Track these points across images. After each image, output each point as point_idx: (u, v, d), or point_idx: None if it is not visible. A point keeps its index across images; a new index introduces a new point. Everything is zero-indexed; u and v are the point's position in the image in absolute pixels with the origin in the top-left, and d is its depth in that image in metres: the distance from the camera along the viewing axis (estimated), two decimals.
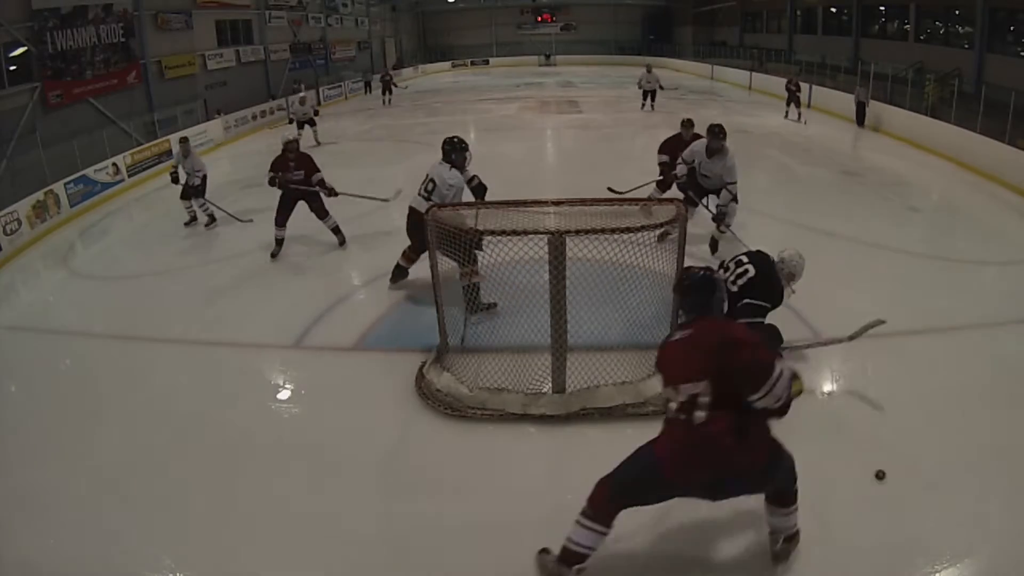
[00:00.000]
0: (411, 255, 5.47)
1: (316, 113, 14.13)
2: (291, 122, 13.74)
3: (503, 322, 4.19)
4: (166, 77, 15.94)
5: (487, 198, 5.27)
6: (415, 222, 5.02)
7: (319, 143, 13.39)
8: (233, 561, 2.92)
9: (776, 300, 3.97)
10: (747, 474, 2.30)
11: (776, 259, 4.04)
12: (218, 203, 7.95)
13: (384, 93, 20.47)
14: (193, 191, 7.78)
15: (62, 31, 12.70)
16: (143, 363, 4.75)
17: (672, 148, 6.84)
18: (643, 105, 16.36)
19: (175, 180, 7.77)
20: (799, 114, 14.71)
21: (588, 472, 3.36)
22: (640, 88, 16.43)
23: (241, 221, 7.71)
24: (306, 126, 13.53)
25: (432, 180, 5.07)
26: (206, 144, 13.93)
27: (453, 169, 5.13)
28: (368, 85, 24.06)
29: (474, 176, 5.37)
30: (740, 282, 3.94)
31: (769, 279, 3.95)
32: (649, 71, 16.70)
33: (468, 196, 5.36)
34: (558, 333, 3.69)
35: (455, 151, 5.18)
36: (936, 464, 3.36)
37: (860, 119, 13.61)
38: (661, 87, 16.62)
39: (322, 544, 2.97)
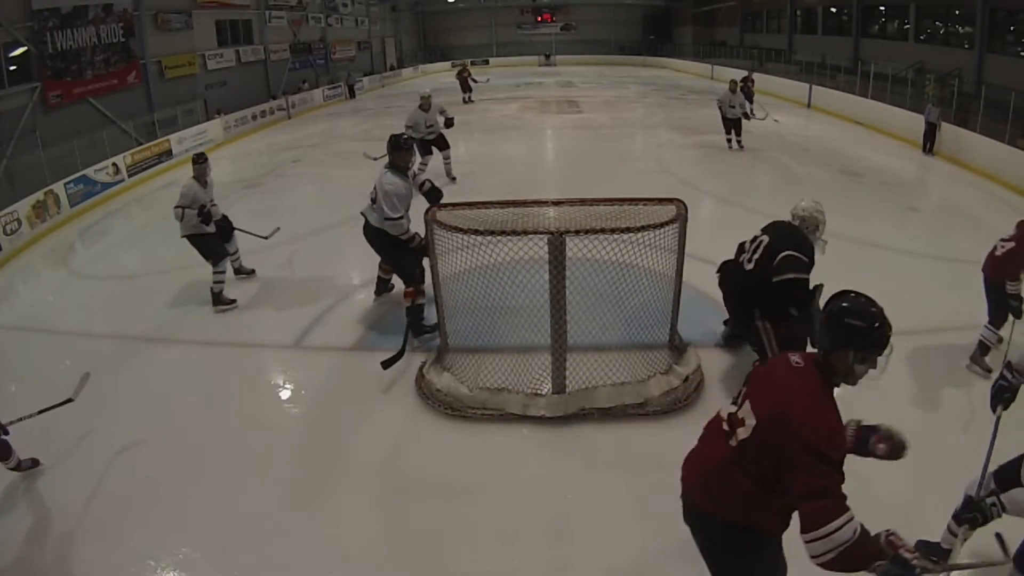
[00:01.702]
0: (386, 267, 5.24)
1: (451, 123, 8.95)
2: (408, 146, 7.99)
3: (503, 322, 4.19)
4: (166, 77, 15.95)
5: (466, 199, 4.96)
6: (369, 233, 4.73)
7: (454, 179, 8.92)
8: (233, 561, 2.92)
9: (811, 254, 3.57)
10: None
11: (792, 218, 3.70)
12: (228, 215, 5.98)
13: (464, 91, 18.31)
14: (224, 234, 5.57)
15: (62, 31, 12.70)
16: (143, 363, 4.76)
17: None
18: (729, 142, 10.94)
19: (206, 220, 5.36)
20: (751, 110, 14.41)
21: (588, 472, 3.38)
22: (721, 113, 10.86)
23: (264, 237, 6.28)
24: (434, 149, 8.90)
25: (375, 187, 4.64)
26: (206, 144, 13.94)
27: (391, 173, 4.58)
28: (352, 89, 22.75)
29: (425, 181, 4.80)
30: (756, 256, 3.65)
31: (789, 236, 3.60)
32: (734, 90, 10.63)
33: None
34: (558, 333, 3.69)
35: (394, 150, 4.61)
36: (936, 464, 3.36)
37: (928, 144, 10.88)
38: (749, 114, 11.01)
39: (322, 544, 2.98)
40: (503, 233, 3.57)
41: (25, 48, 12.03)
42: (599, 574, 2.76)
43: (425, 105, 8.73)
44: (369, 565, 2.87)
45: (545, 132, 14.38)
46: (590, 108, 17.43)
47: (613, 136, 13.28)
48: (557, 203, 3.90)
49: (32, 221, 8.40)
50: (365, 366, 4.52)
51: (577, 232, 3.50)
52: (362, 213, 4.78)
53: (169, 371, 4.65)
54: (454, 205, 4.00)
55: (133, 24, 14.67)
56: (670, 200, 3.96)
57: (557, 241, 3.50)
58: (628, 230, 3.56)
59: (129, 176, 11.17)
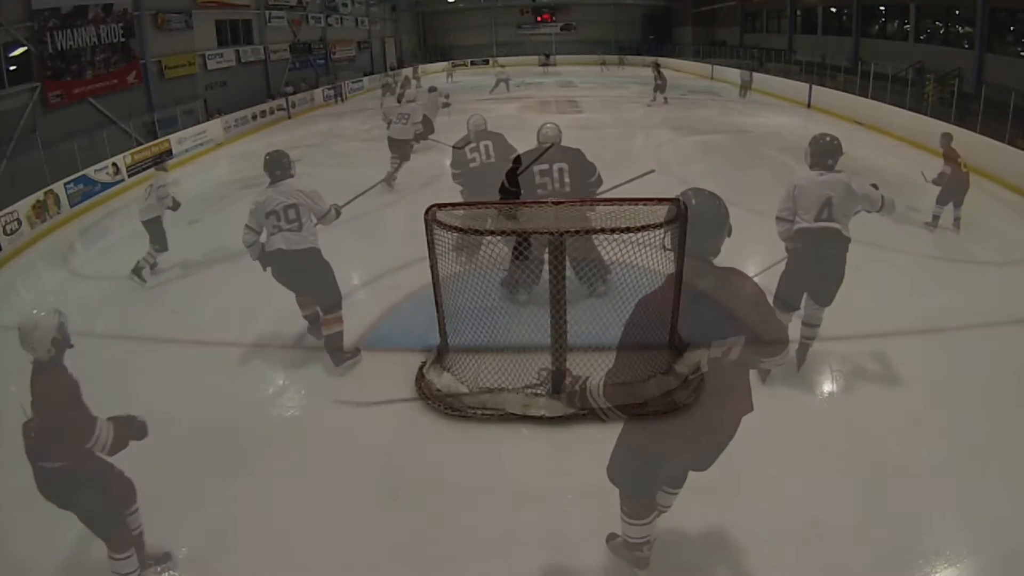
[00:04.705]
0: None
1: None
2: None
3: (503, 322, 4.18)
4: (166, 77, 15.93)
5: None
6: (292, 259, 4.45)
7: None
8: (232, 561, 2.92)
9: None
10: None
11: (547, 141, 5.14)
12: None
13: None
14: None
15: (62, 31, 12.69)
16: (143, 363, 4.75)
17: None
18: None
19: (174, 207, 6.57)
20: (664, 99, 16.74)
21: (587, 472, 3.37)
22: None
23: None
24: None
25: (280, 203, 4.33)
26: (206, 144, 13.94)
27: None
28: (340, 92, 22.40)
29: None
30: (566, 179, 4.99)
31: (580, 159, 5.14)
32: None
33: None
34: (558, 333, 3.69)
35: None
36: (936, 464, 3.36)
37: None
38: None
39: (321, 544, 2.98)
40: (503, 233, 3.57)
41: (25, 48, 12.01)
42: (599, 574, 2.76)
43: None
44: (369, 565, 2.87)
45: None
46: (590, 108, 17.41)
47: (613, 136, 13.27)
48: (557, 203, 3.90)
49: (32, 221, 8.40)
50: (365, 366, 4.53)
51: (577, 232, 3.49)
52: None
53: (169, 371, 4.64)
54: (454, 205, 4.00)
55: (133, 24, 14.65)
56: (670, 200, 3.95)
57: (557, 241, 3.50)
58: (628, 230, 3.55)
59: (129, 176, 11.17)
